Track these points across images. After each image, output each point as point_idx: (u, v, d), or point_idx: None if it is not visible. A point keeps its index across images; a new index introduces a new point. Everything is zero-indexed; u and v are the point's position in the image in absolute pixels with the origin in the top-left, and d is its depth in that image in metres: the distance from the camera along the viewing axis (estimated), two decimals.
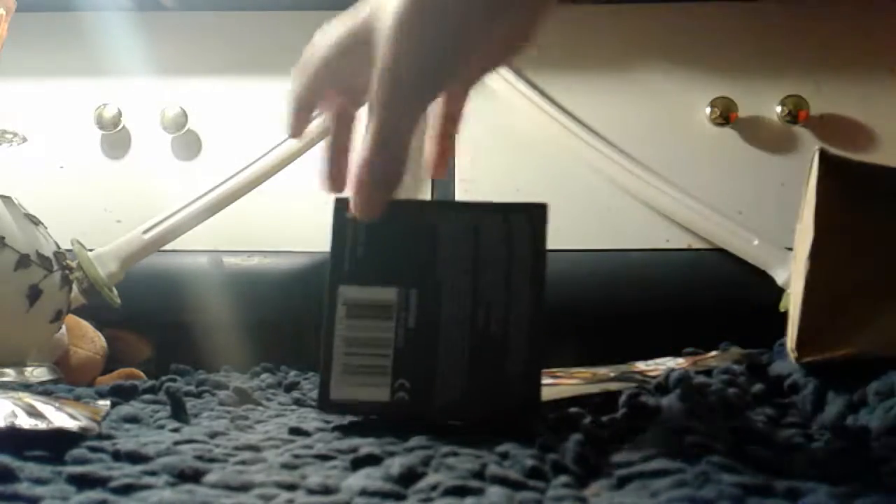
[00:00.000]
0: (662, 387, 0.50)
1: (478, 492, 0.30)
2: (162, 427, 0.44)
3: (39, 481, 0.31)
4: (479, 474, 0.32)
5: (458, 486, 0.30)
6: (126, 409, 0.48)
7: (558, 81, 0.89)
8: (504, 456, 0.35)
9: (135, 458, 0.35)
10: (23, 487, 0.30)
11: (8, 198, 0.64)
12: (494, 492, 0.29)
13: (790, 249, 0.77)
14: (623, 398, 0.45)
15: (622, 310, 0.83)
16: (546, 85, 0.89)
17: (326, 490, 0.30)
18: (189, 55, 0.92)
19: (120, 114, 0.90)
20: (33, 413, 0.39)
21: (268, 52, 0.91)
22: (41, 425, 0.38)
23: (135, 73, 0.90)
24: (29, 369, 0.63)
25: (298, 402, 0.55)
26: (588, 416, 0.42)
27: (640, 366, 0.67)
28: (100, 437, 0.39)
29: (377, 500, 0.29)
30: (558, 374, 0.64)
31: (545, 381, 0.60)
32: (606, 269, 0.86)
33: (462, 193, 0.88)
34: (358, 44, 0.41)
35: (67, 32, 0.92)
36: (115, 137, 0.91)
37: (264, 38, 0.92)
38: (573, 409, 0.45)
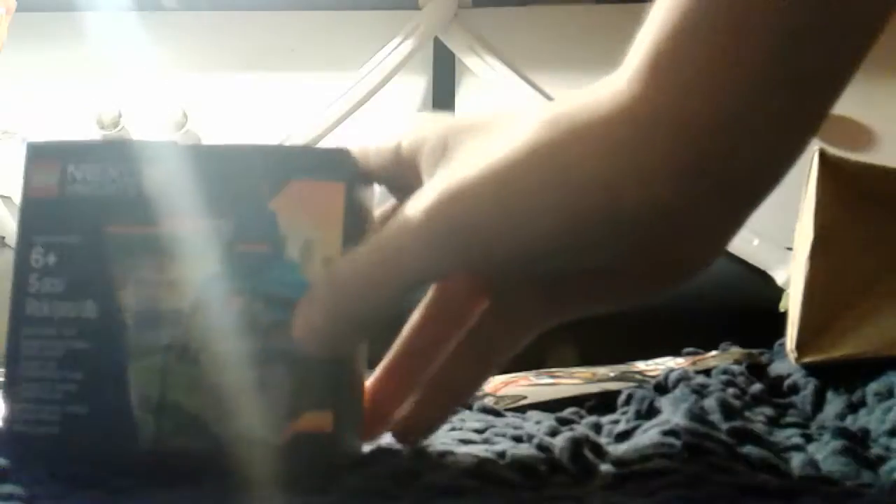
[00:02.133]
0: (661, 386, 0.50)
1: (474, 491, 0.30)
2: None
3: (35, 481, 0.31)
4: (474, 473, 0.32)
5: (454, 485, 0.30)
6: None
7: (558, 81, 0.89)
8: (500, 455, 0.34)
9: None
10: (18, 487, 0.30)
11: (8, 198, 0.64)
12: (490, 491, 0.29)
13: (790, 249, 0.77)
14: (622, 398, 0.45)
15: (622, 310, 0.83)
16: (546, 85, 0.88)
17: (322, 490, 0.30)
18: (189, 55, 0.93)
19: (120, 114, 0.90)
20: None
21: (268, 52, 0.91)
22: None
23: (135, 73, 0.90)
24: None
25: None
26: (587, 416, 0.42)
27: (640, 366, 0.66)
28: None
29: (372, 499, 0.29)
30: (558, 374, 0.64)
31: (546, 381, 0.60)
32: None
33: None
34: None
35: (67, 32, 0.92)
36: (114, 137, 0.91)
37: (264, 38, 0.92)
38: (572, 409, 0.45)
